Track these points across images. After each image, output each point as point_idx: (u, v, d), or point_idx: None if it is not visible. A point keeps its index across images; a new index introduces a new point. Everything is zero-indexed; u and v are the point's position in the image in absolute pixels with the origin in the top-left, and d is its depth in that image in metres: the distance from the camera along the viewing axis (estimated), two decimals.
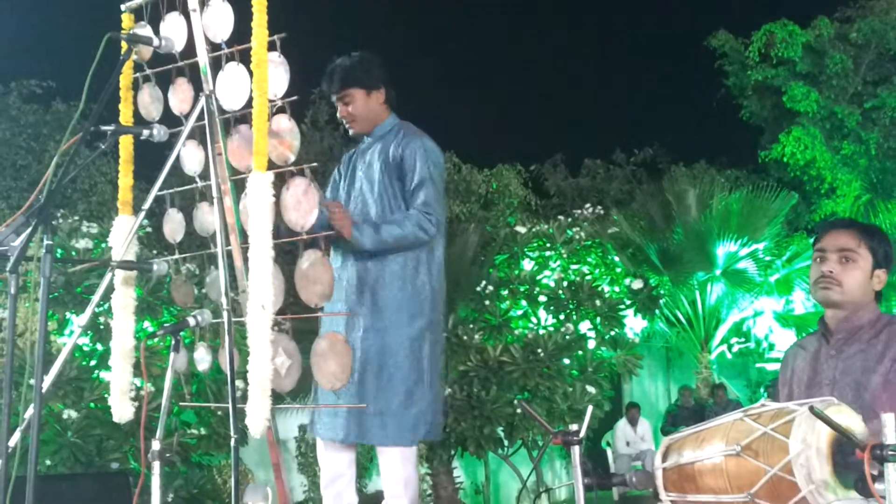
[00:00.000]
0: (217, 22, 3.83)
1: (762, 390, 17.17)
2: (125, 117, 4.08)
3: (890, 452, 2.15)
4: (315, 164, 4.09)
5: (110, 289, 3.90)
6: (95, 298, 3.78)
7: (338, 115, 4.25)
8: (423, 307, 4.07)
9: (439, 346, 4.20)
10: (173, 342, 3.35)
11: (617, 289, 14.13)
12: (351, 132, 4.28)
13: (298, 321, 3.85)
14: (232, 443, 3.52)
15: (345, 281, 4.09)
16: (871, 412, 2.69)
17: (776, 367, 16.65)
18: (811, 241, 3.22)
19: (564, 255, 13.53)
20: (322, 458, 4.22)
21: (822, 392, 2.95)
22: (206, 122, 3.87)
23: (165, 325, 3.58)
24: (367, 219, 4.04)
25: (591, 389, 11.15)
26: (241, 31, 3.73)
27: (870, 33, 19.72)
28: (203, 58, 3.91)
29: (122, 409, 3.98)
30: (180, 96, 4.02)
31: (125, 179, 4.14)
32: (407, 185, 4.07)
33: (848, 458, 2.36)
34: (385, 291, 4.05)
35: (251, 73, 3.64)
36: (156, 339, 7.53)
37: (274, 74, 3.67)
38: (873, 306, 3.04)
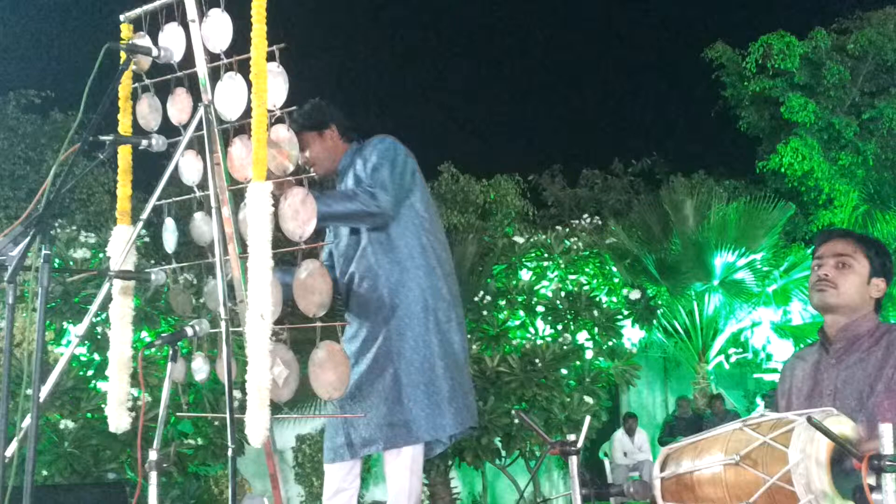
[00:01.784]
0: (216, 32, 3.83)
1: (758, 400, 17.17)
2: (124, 127, 4.08)
3: (888, 463, 2.15)
4: (314, 174, 4.11)
5: (108, 298, 3.90)
6: (93, 308, 3.77)
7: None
8: (428, 307, 4.10)
9: (458, 338, 4.20)
10: (171, 352, 3.34)
11: (615, 299, 14.14)
12: (317, 177, 4.27)
13: (296, 331, 3.84)
14: (229, 453, 3.51)
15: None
16: (874, 421, 2.70)
17: (774, 377, 16.67)
18: (809, 251, 3.25)
19: (562, 266, 13.53)
20: (328, 472, 4.22)
21: (824, 402, 2.96)
22: (204, 132, 3.87)
23: (163, 334, 3.56)
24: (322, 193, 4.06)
25: (588, 400, 11.13)
26: (240, 42, 3.74)
27: (867, 45, 19.79)
28: (202, 68, 3.91)
29: (118, 419, 3.97)
30: (179, 106, 4.02)
31: (123, 189, 4.14)
32: (366, 171, 4.12)
33: (846, 469, 2.36)
34: (366, 298, 4.10)
35: (250, 84, 3.64)
36: (153, 349, 7.52)
37: (273, 85, 3.67)
38: (872, 315, 3.05)
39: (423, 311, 4.11)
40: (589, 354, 12.00)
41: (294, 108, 3.78)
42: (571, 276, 13.57)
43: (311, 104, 4.33)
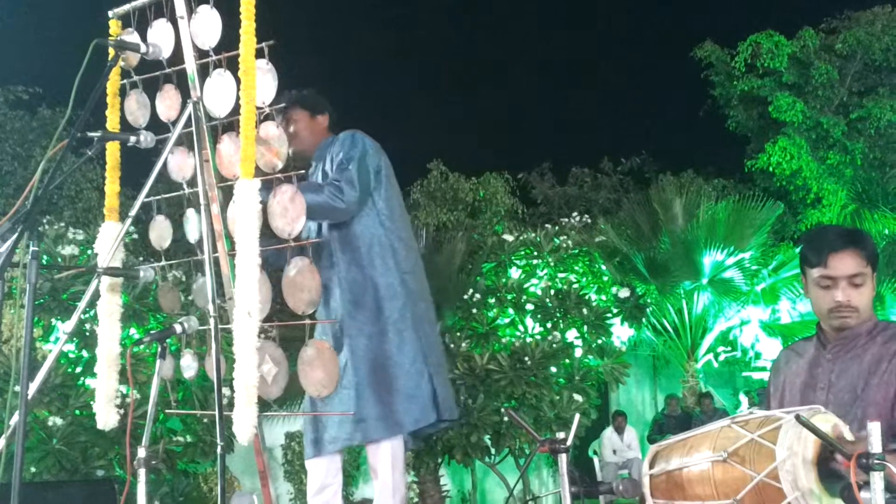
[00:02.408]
0: (205, 29, 3.83)
1: (741, 396, 17.22)
2: (112, 124, 4.07)
3: (875, 461, 2.15)
4: (303, 171, 4.10)
5: (96, 295, 3.89)
6: (81, 305, 3.77)
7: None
8: (383, 304, 4.10)
9: (414, 336, 4.19)
10: (159, 349, 3.34)
11: (604, 297, 14.14)
12: (291, 150, 4.27)
13: (285, 328, 3.84)
14: (218, 450, 3.51)
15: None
16: (868, 415, 2.71)
17: (762, 375, 16.72)
18: (797, 250, 3.21)
19: (552, 264, 13.53)
20: (310, 468, 4.22)
21: (817, 396, 2.96)
22: (193, 128, 3.86)
23: (152, 331, 3.57)
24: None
25: (577, 398, 11.14)
26: (229, 39, 3.73)
27: (855, 44, 19.86)
28: (190, 65, 3.90)
29: (107, 416, 3.97)
30: (167, 103, 4.01)
31: (112, 186, 4.13)
32: (332, 166, 4.14)
33: (834, 467, 2.37)
34: (345, 295, 4.09)
35: (239, 81, 3.64)
36: (142, 346, 7.54)
37: (262, 82, 3.67)
38: (872, 314, 3.05)
39: (377, 310, 4.11)
40: (578, 352, 12.00)
41: (283, 104, 3.78)
42: (561, 275, 13.56)
43: (311, 91, 4.40)
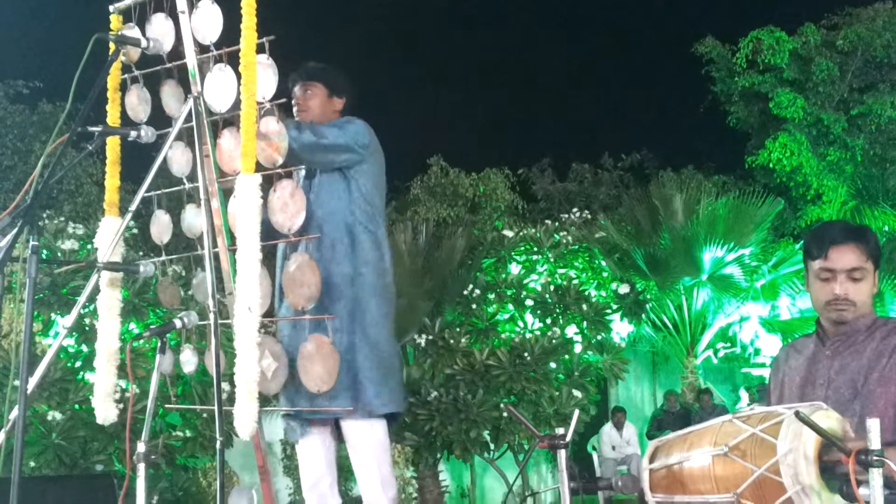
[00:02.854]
0: (206, 24, 3.83)
1: (741, 392, 17.24)
2: (112, 118, 4.07)
3: (875, 458, 2.16)
4: (302, 166, 4.10)
5: (96, 290, 3.89)
6: (81, 300, 3.77)
7: (293, 99, 4.23)
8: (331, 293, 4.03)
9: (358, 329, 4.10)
10: (159, 344, 3.34)
11: (604, 293, 14.15)
12: (296, 118, 4.23)
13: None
14: (217, 445, 3.51)
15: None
16: (868, 410, 2.71)
17: (762, 371, 16.75)
18: (798, 246, 3.20)
19: (551, 260, 13.54)
20: (302, 461, 4.21)
21: (816, 392, 2.97)
22: (193, 123, 3.86)
23: (151, 326, 3.57)
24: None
25: (577, 393, 11.15)
26: (230, 34, 3.73)
27: (856, 40, 19.84)
28: (191, 60, 3.90)
29: (106, 411, 3.97)
30: (173, 97, 4.02)
31: (112, 180, 4.13)
32: None
33: (834, 463, 2.37)
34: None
35: (239, 76, 3.63)
36: (141, 341, 7.50)
37: (262, 77, 3.67)
38: (871, 310, 3.05)
39: (341, 300, 4.03)
40: (578, 348, 12.01)
41: (283, 100, 3.77)
42: (561, 270, 13.57)
43: (336, 67, 4.32)
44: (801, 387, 3.06)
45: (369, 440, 4.00)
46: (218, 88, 3.81)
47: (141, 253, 10.23)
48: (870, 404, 2.84)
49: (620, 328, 14.73)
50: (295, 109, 4.21)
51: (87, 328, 8.54)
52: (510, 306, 12.42)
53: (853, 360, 2.97)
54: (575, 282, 12.97)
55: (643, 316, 15.21)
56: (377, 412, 4.00)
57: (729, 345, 17.14)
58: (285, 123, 3.79)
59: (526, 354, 11.01)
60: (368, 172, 4.14)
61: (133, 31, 3.94)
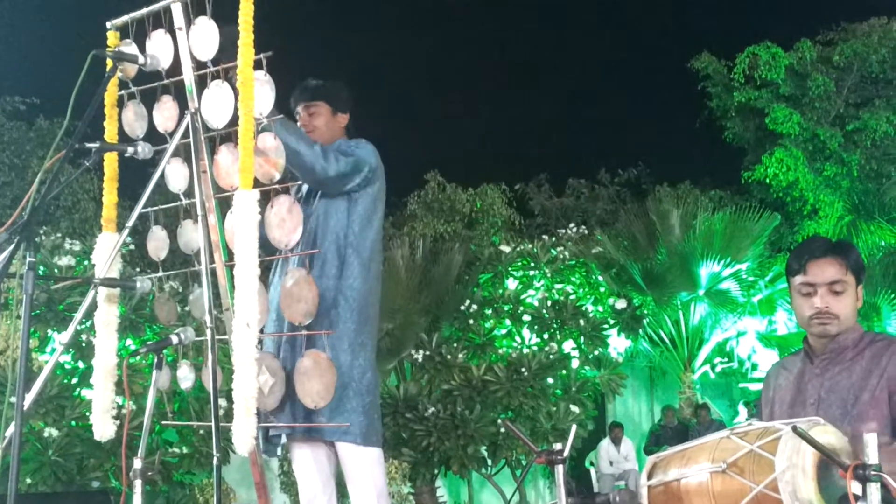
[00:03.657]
0: (203, 40, 3.83)
1: (740, 406, 17.22)
2: (110, 135, 4.07)
3: (872, 472, 2.15)
4: (299, 182, 4.10)
5: (93, 306, 3.88)
6: (78, 316, 3.76)
7: (297, 121, 4.23)
8: (355, 316, 4.02)
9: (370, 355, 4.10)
10: (156, 360, 3.33)
11: (601, 308, 14.16)
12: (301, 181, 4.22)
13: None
14: (214, 461, 3.50)
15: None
16: (859, 430, 2.70)
17: (759, 386, 16.67)
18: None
19: (548, 275, 13.55)
20: (300, 479, 4.20)
21: (807, 411, 2.96)
22: (191, 139, 3.87)
23: (148, 342, 3.56)
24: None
25: (574, 409, 11.16)
26: (228, 50, 3.73)
27: (852, 56, 19.92)
28: (188, 76, 3.91)
29: (103, 428, 3.96)
30: (165, 114, 4.02)
31: (109, 197, 4.13)
32: None
33: (832, 478, 2.37)
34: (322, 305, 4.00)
35: (237, 92, 3.64)
36: (138, 357, 7.52)
37: (260, 93, 3.67)
38: (857, 325, 3.05)
39: (324, 319, 4.02)
40: (575, 363, 12.02)
41: (281, 116, 3.77)
42: (558, 286, 13.59)
43: (336, 82, 4.30)
44: (790, 406, 3.05)
45: (362, 458, 3.98)
46: (215, 104, 3.81)
47: (138, 269, 10.23)
48: (861, 426, 2.82)
49: (618, 343, 14.74)
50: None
51: (83, 344, 8.54)
52: (507, 321, 12.43)
53: (843, 377, 2.96)
54: (572, 297, 13.00)
55: (640, 331, 15.22)
56: (327, 438, 4.00)
57: (726, 360, 17.15)
58: (313, 150, 3.85)
59: (523, 370, 11.02)
60: (370, 195, 4.15)
61: (130, 48, 3.94)
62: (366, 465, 3.97)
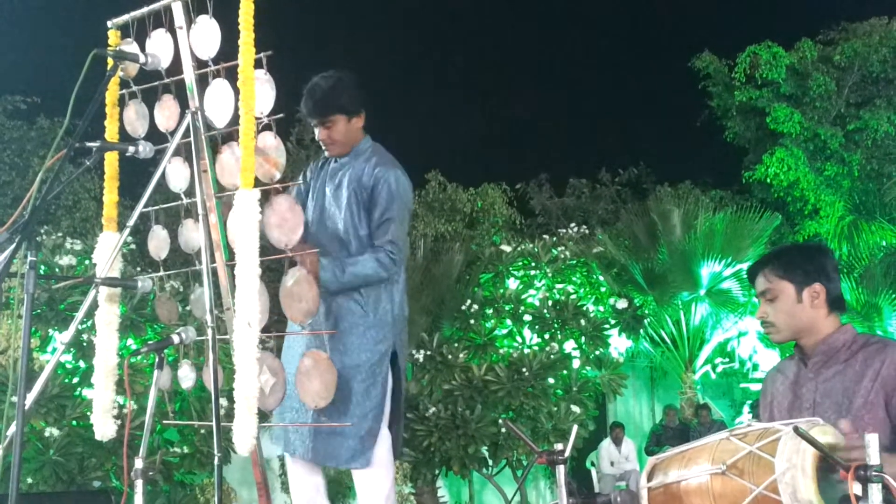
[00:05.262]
0: (204, 39, 3.83)
1: (745, 408, 17.20)
2: (110, 134, 4.07)
3: (873, 473, 2.15)
4: (300, 181, 4.10)
5: (94, 306, 3.88)
6: (79, 315, 3.76)
7: (316, 136, 4.18)
8: (385, 332, 4.03)
9: (402, 370, 4.15)
10: (157, 360, 3.33)
11: (602, 308, 14.14)
12: (327, 154, 4.21)
13: (282, 339, 3.83)
14: (215, 461, 3.50)
15: None
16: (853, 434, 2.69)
17: (760, 387, 16.69)
18: None
19: (549, 275, 13.54)
20: (293, 481, 4.23)
21: (803, 415, 2.95)
22: (191, 138, 3.86)
23: (149, 342, 3.56)
24: (333, 260, 3.96)
25: (575, 409, 11.15)
26: (228, 49, 3.73)
27: (853, 56, 19.90)
28: (189, 75, 3.90)
29: (104, 427, 3.96)
30: (166, 113, 4.01)
31: (110, 196, 4.13)
32: (374, 218, 4.02)
33: (832, 479, 2.36)
34: (348, 317, 4.01)
35: (237, 91, 3.64)
36: (139, 357, 7.52)
37: (260, 92, 3.67)
38: (846, 327, 3.03)
39: (392, 337, 4.06)
40: (576, 363, 12.01)
41: (281, 115, 3.77)
42: (558, 285, 13.57)
43: (341, 81, 4.14)
44: (788, 410, 3.05)
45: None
46: (216, 104, 3.81)
47: (139, 268, 10.23)
48: (857, 427, 2.81)
49: (619, 343, 14.72)
50: (323, 147, 4.17)
51: (84, 344, 8.53)
52: (508, 321, 12.42)
53: (836, 381, 2.95)
54: (573, 297, 12.98)
55: (641, 331, 15.21)
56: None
57: (727, 360, 17.13)
58: (370, 269, 3.94)
59: (524, 370, 11.01)
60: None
61: (131, 47, 3.95)
62: (375, 468, 3.99)
